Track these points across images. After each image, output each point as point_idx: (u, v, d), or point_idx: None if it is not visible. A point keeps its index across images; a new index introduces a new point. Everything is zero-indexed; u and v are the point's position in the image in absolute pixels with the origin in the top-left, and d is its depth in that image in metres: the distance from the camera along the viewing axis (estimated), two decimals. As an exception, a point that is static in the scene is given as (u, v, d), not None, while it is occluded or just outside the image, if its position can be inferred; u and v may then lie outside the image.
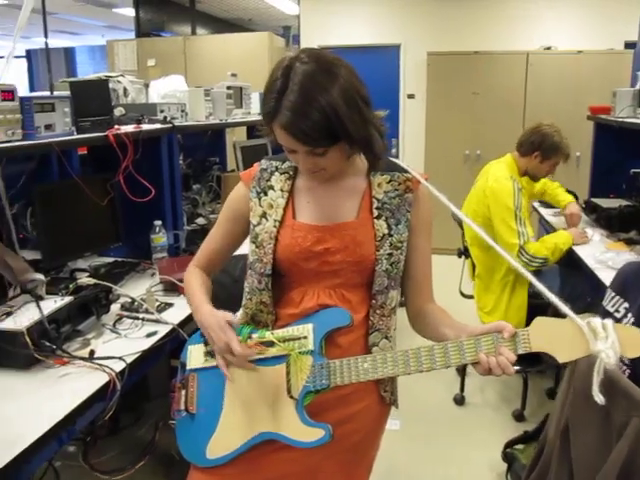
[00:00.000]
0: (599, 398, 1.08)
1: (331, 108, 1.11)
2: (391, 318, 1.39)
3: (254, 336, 1.30)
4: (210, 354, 1.36)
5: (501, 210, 2.82)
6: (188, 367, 1.39)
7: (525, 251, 2.78)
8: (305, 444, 1.26)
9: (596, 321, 1.09)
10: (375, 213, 1.31)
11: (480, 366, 1.16)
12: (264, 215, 1.34)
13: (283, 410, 1.27)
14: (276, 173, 1.36)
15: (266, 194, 1.35)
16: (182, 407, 1.37)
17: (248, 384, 1.32)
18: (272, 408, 1.29)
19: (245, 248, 1.66)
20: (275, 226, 1.32)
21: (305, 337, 1.27)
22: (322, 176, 1.27)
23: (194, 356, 1.40)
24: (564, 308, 1.13)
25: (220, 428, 1.33)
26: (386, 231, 1.31)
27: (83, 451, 1.52)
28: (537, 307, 2.97)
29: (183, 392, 1.38)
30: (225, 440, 1.32)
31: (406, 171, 1.35)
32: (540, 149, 2.93)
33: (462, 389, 3.26)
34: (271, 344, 1.29)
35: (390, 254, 1.31)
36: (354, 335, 1.33)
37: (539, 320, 1.15)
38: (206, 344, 1.37)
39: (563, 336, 1.12)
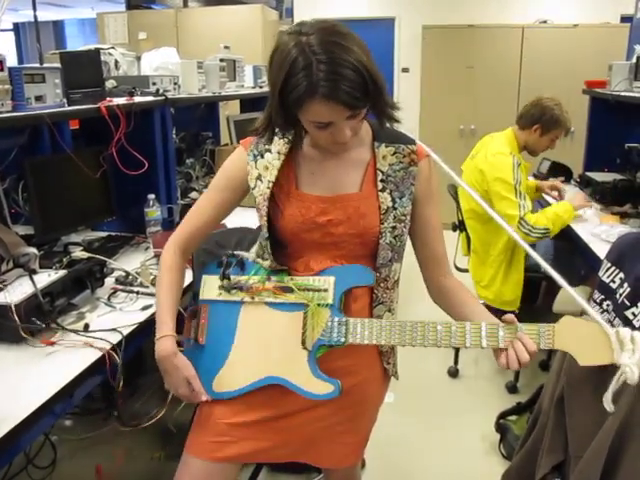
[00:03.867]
0: (609, 406, 1.10)
1: (360, 63, 1.10)
2: (394, 291, 1.39)
3: (273, 278, 1.30)
4: (224, 288, 1.35)
5: (499, 184, 2.80)
6: (201, 297, 1.39)
7: (525, 222, 2.74)
8: (313, 395, 1.26)
9: (625, 332, 1.09)
10: (380, 186, 1.31)
11: (502, 356, 1.16)
12: (259, 177, 1.33)
13: (294, 358, 1.27)
14: (275, 137, 1.33)
15: (262, 157, 1.33)
16: (192, 336, 1.37)
17: (262, 325, 1.31)
18: (283, 354, 1.29)
19: (238, 222, 1.65)
20: (269, 187, 1.31)
21: (325, 290, 1.26)
22: (344, 147, 1.25)
23: (208, 287, 1.39)
24: (596, 316, 1.12)
25: (228, 364, 1.33)
26: (390, 204, 1.30)
27: (117, 419, 1.52)
28: (529, 280, 3.01)
29: (193, 322, 1.38)
30: (232, 377, 1.33)
31: (411, 142, 1.34)
32: (540, 122, 2.91)
33: (456, 361, 3.29)
34: (289, 290, 1.28)
35: (394, 227, 1.31)
36: (357, 306, 1.33)
37: (566, 319, 1.15)
38: (222, 278, 1.36)
39: (588, 339, 1.12)
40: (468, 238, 3.20)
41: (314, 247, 1.31)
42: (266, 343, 1.31)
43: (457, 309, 1.35)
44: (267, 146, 1.33)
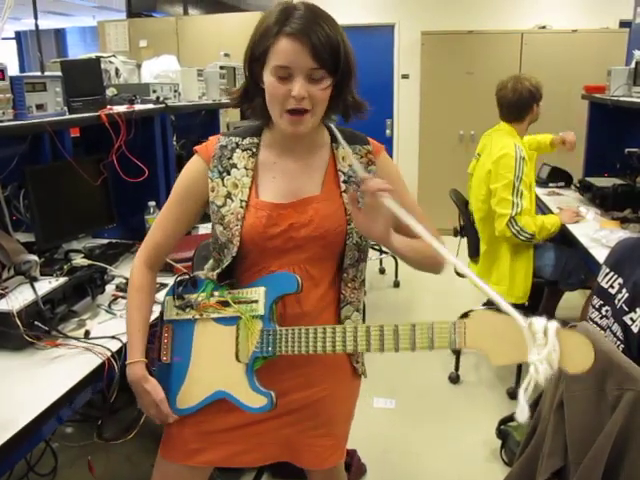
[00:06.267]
0: (524, 416, 0.94)
1: (338, 31, 1.17)
2: (361, 290, 1.40)
3: (216, 294, 1.32)
4: (179, 307, 1.37)
5: (499, 180, 2.84)
6: (164, 317, 1.41)
7: (515, 222, 2.80)
8: (250, 409, 1.28)
9: (538, 324, 0.95)
10: (343, 187, 1.31)
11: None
12: (229, 195, 1.30)
13: (235, 372, 1.30)
14: (237, 150, 1.32)
15: (229, 173, 1.31)
16: (156, 356, 1.40)
17: (210, 341, 1.34)
18: (226, 368, 1.31)
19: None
20: (242, 206, 1.29)
21: (256, 301, 1.27)
22: (304, 123, 1.20)
23: (168, 307, 1.41)
24: (506, 306, 0.99)
25: (188, 380, 1.36)
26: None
27: (97, 432, 1.54)
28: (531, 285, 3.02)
29: (158, 342, 1.41)
30: (191, 392, 1.36)
31: (365, 142, 1.35)
32: (535, 100, 3.02)
33: (457, 368, 3.28)
34: (227, 304, 1.30)
35: None
36: (323, 308, 1.33)
37: (479, 313, 1.04)
38: (174, 298, 1.38)
39: (502, 335, 0.99)
40: (471, 241, 3.21)
41: (276, 253, 1.30)
42: (214, 358, 1.33)
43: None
44: (232, 160, 1.31)
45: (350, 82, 1.21)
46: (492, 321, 1.02)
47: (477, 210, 3.09)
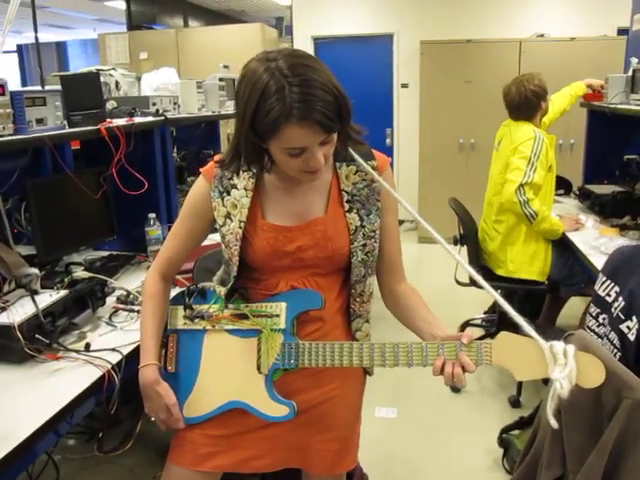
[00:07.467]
0: (553, 422, 1.09)
1: (332, 84, 1.11)
2: (370, 303, 1.42)
3: (230, 306, 1.34)
4: (188, 318, 1.39)
5: (517, 154, 2.91)
6: (169, 327, 1.42)
7: (524, 191, 2.85)
8: (271, 417, 1.32)
9: (558, 346, 1.09)
10: (346, 207, 1.32)
11: (434, 369, 1.21)
12: (228, 216, 1.32)
13: (253, 382, 1.32)
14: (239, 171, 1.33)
15: (229, 193, 1.32)
16: (161, 365, 1.41)
17: (223, 352, 1.36)
18: (243, 378, 1.33)
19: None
20: (240, 227, 1.31)
21: (277, 315, 1.30)
22: (317, 176, 1.23)
23: (174, 317, 1.42)
24: (530, 330, 1.12)
25: (196, 389, 1.38)
26: (358, 223, 1.32)
27: (97, 445, 1.55)
28: (532, 294, 3.03)
29: (163, 351, 1.41)
30: (200, 402, 1.37)
31: (370, 157, 1.33)
32: (542, 99, 3.05)
33: (458, 376, 3.26)
34: (245, 317, 1.32)
35: (364, 244, 1.33)
36: (333, 311, 1.36)
37: (503, 335, 1.16)
38: (185, 308, 1.40)
39: (524, 354, 1.13)
40: (471, 249, 3.21)
41: (285, 269, 1.33)
42: (228, 368, 1.35)
43: (404, 313, 1.38)
44: (232, 181, 1.32)
45: (350, 119, 1.18)
46: (516, 342, 1.15)
47: (496, 194, 3.10)
